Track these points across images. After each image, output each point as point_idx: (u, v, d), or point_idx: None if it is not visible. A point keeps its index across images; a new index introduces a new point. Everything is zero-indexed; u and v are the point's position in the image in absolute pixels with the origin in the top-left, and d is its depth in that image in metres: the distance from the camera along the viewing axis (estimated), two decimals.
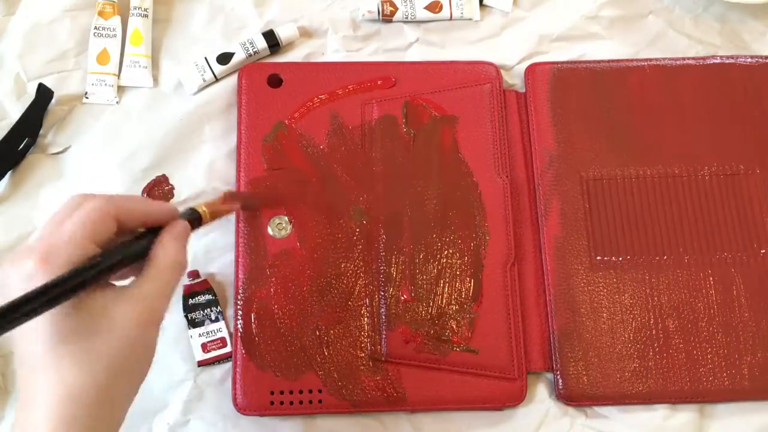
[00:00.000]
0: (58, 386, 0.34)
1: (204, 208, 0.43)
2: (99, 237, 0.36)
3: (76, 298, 0.34)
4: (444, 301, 0.54)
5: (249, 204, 0.54)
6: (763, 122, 0.59)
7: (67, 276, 0.33)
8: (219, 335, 0.54)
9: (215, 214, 0.44)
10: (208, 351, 0.54)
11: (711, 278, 0.55)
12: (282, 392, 0.52)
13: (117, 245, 0.37)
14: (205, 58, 0.60)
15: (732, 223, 0.56)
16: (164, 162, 0.58)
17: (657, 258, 0.55)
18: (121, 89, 0.60)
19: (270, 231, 0.55)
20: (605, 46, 0.62)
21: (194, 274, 0.55)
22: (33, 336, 0.34)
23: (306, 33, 0.62)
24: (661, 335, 0.54)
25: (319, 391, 0.52)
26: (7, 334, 0.32)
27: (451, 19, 0.63)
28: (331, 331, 0.53)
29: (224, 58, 0.60)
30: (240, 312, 0.53)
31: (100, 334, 0.35)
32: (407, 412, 0.53)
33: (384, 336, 0.53)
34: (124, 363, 0.36)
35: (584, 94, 0.59)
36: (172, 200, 0.57)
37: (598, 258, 0.55)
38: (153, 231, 0.39)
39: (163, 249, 0.38)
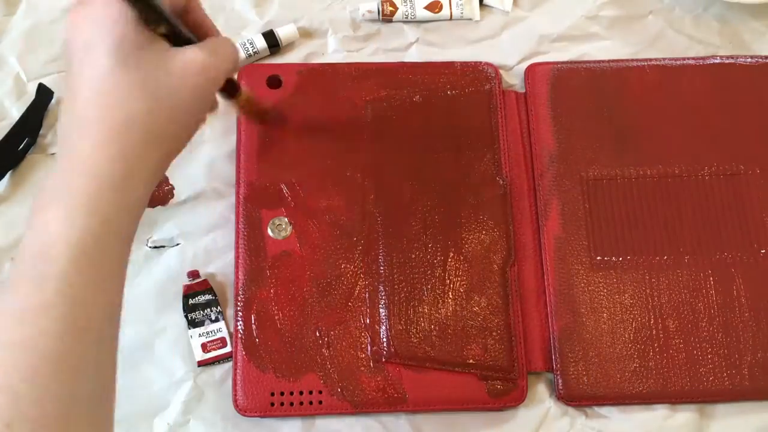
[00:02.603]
0: (116, 110, 0.33)
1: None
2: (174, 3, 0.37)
3: (140, 33, 0.34)
4: (444, 300, 0.54)
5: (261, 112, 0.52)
6: (763, 122, 0.59)
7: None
8: (219, 335, 0.54)
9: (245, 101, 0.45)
10: (208, 351, 0.54)
11: (711, 278, 0.55)
12: (282, 393, 0.52)
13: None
14: None
15: (732, 223, 0.56)
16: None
17: (657, 258, 0.55)
18: None
19: (270, 232, 0.55)
20: (605, 46, 0.62)
21: (194, 274, 0.55)
22: (97, 58, 0.34)
23: (306, 33, 0.62)
24: (661, 335, 0.54)
25: (320, 392, 0.52)
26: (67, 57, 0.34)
27: (451, 19, 0.63)
28: (332, 332, 0.53)
29: None
30: (240, 312, 0.53)
31: (158, 68, 0.34)
32: (408, 413, 0.53)
33: (384, 337, 0.53)
34: (180, 105, 0.35)
35: (584, 94, 0.59)
36: (172, 200, 0.57)
37: (599, 258, 0.55)
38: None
39: (225, 39, 0.39)
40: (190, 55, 0.36)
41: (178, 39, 0.37)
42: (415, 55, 0.62)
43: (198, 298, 0.54)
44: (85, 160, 0.33)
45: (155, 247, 0.56)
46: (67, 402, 0.31)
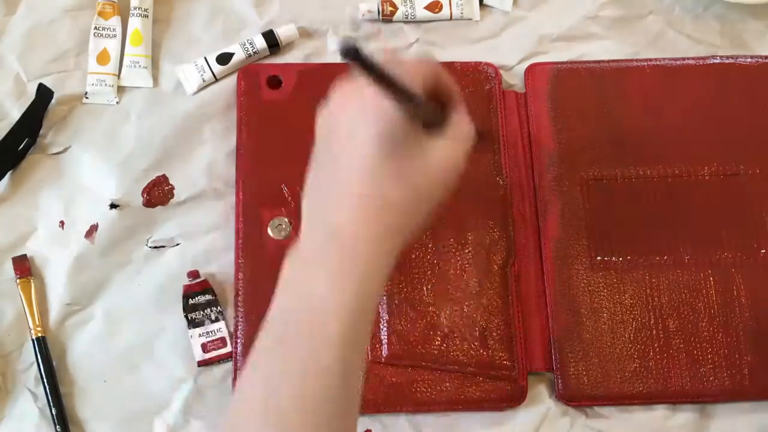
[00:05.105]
0: (374, 196, 0.36)
1: None
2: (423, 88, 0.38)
3: (400, 123, 0.36)
4: (444, 301, 0.54)
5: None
6: (763, 122, 0.59)
7: (406, 87, 0.35)
8: (219, 335, 0.54)
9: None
10: (208, 351, 0.54)
11: (711, 278, 0.55)
12: None
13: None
14: (205, 58, 0.60)
15: (732, 223, 0.56)
16: (164, 162, 0.58)
17: (657, 258, 0.55)
18: (121, 89, 0.60)
19: (270, 232, 0.55)
20: (605, 46, 0.62)
21: (194, 274, 0.55)
22: (361, 147, 0.36)
23: (306, 33, 0.62)
24: (661, 335, 0.54)
25: None
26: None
27: (451, 19, 0.62)
28: None
29: (224, 59, 0.60)
30: (240, 312, 0.53)
31: (415, 160, 0.37)
32: (408, 413, 0.53)
33: (384, 337, 0.53)
34: (427, 193, 0.37)
35: (584, 94, 0.59)
36: (172, 200, 0.57)
37: (598, 258, 0.55)
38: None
39: (465, 116, 0.40)
40: (443, 152, 0.38)
41: (428, 120, 0.38)
42: (415, 55, 0.61)
43: (198, 298, 0.54)
44: (344, 230, 0.36)
45: (155, 247, 0.56)
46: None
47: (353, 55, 0.30)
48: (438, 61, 0.38)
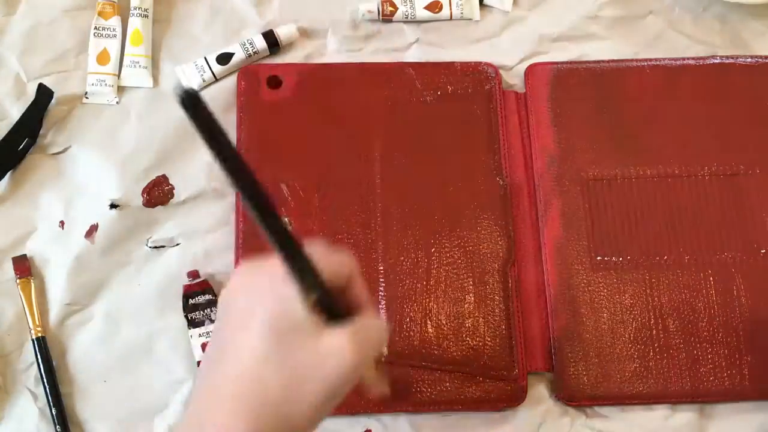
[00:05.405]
0: (254, 387, 0.34)
1: None
2: (331, 279, 0.36)
3: (295, 313, 0.34)
4: (444, 301, 0.54)
5: None
6: (763, 122, 0.59)
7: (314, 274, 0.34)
8: None
9: None
10: None
11: (711, 278, 0.55)
12: None
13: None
14: (205, 58, 0.60)
15: (732, 223, 0.56)
16: (164, 162, 0.58)
17: (657, 258, 0.55)
18: (121, 89, 0.60)
19: None
20: (605, 46, 0.62)
21: (194, 275, 0.55)
22: (252, 329, 0.35)
23: (306, 33, 0.62)
24: (661, 335, 0.54)
25: None
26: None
27: (451, 19, 0.62)
28: None
29: (224, 59, 0.60)
30: None
31: (309, 351, 0.35)
32: (408, 413, 0.53)
33: None
34: (317, 389, 0.35)
35: (584, 94, 0.59)
36: (172, 200, 0.57)
37: (599, 258, 0.55)
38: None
39: (374, 321, 0.39)
40: (338, 342, 0.35)
41: (330, 313, 0.36)
42: (415, 55, 0.61)
43: (198, 298, 0.54)
44: (217, 427, 0.34)
45: (155, 247, 0.56)
46: None
47: (190, 104, 0.29)
48: (354, 262, 0.37)
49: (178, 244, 0.56)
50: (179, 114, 0.62)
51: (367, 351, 0.36)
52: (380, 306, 0.53)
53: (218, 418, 0.34)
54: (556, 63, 0.60)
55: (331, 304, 0.36)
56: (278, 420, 0.35)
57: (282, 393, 0.34)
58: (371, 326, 0.37)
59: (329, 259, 0.36)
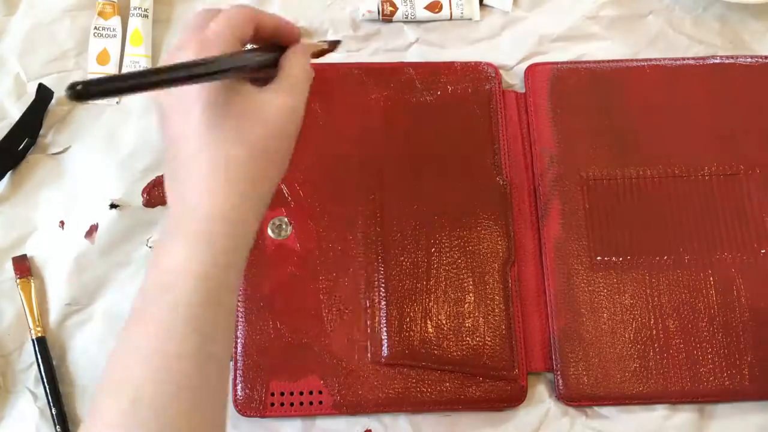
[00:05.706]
0: (216, 157, 0.37)
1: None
2: (241, 38, 0.39)
3: (226, 87, 0.37)
4: (444, 301, 0.54)
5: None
6: (763, 122, 0.59)
7: (220, 57, 0.36)
8: None
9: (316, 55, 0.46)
10: None
11: (711, 278, 0.55)
12: (282, 393, 0.52)
13: (254, 48, 0.40)
14: None
15: (732, 223, 0.56)
16: (164, 162, 0.58)
17: (657, 258, 0.55)
18: None
19: (270, 232, 0.55)
20: (605, 46, 0.62)
21: None
22: (192, 120, 0.37)
23: (306, 33, 0.62)
24: (661, 335, 0.54)
25: (320, 392, 0.52)
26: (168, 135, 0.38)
27: (451, 19, 0.63)
28: (332, 332, 0.53)
29: None
30: (240, 312, 0.53)
31: (249, 117, 0.37)
32: (408, 413, 0.53)
33: (384, 337, 0.53)
34: (270, 145, 0.38)
35: (584, 94, 0.59)
36: None
37: (599, 258, 0.55)
38: (279, 48, 0.41)
39: (296, 59, 0.41)
40: (278, 100, 0.38)
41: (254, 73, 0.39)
42: (415, 55, 0.61)
43: None
44: (196, 201, 0.36)
45: None
46: (187, 418, 0.34)
47: (86, 94, 0.30)
48: (249, 9, 0.40)
49: None
50: None
51: (303, 87, 0.40)
52: (380, 306, 0.53)
53: (193, 191, 0.37)
54: (556, 63, 0.60)
55: (245, 68, 0.38)
56: (248, 182, 0.37)
57: (246, 159, 0.37)
58: (296, 63, 0.40)
59: (226, 21, 0.38)
